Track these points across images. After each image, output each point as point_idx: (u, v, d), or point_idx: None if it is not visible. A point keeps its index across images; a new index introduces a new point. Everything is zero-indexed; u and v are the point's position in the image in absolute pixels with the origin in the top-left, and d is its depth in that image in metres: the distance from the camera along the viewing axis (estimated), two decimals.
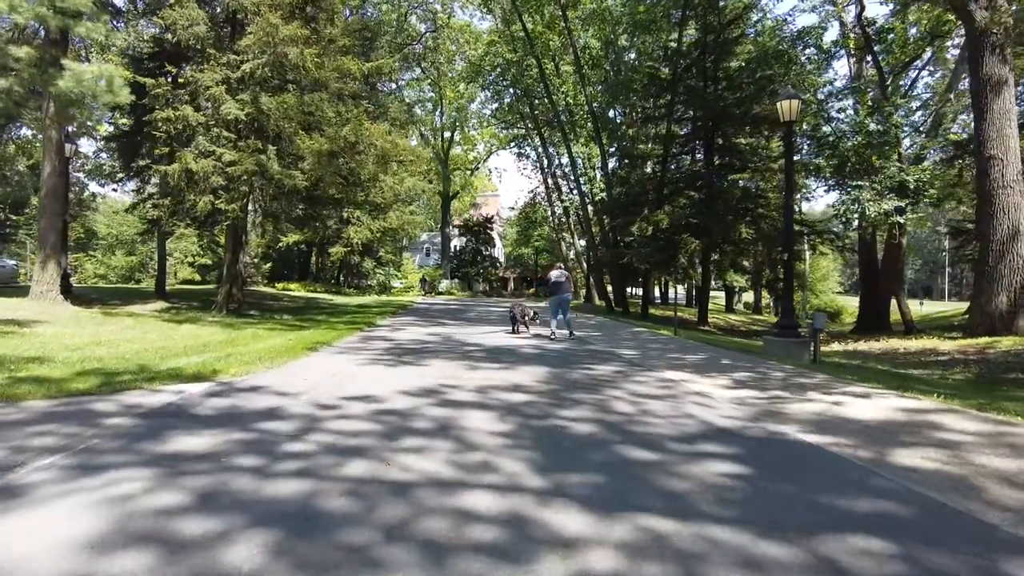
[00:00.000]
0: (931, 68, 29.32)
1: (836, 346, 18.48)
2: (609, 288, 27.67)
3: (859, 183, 17.44)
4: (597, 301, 30.86)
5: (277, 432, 4.18)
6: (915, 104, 23.69)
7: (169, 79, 14.26)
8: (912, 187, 16.68)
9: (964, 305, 57.63)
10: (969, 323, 16.68)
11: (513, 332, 12.74)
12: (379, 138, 15.07)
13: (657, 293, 50.53)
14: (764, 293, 50.67)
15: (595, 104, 24.69)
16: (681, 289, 54.46)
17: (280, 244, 32.92)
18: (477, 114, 54.16)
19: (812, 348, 11.06)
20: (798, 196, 24.20)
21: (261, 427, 4.30)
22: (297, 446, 3.89)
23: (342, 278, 38.11)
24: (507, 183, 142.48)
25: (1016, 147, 16.31)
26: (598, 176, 28.86)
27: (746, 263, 21.52)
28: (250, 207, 18.23)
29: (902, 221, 17.17)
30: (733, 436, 4.43)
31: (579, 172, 28.09)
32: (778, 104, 11.44)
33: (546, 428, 4.53)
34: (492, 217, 58.99)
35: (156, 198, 15.81)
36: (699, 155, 23.40)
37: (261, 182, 13.88)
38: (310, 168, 14.14)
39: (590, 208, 27.45)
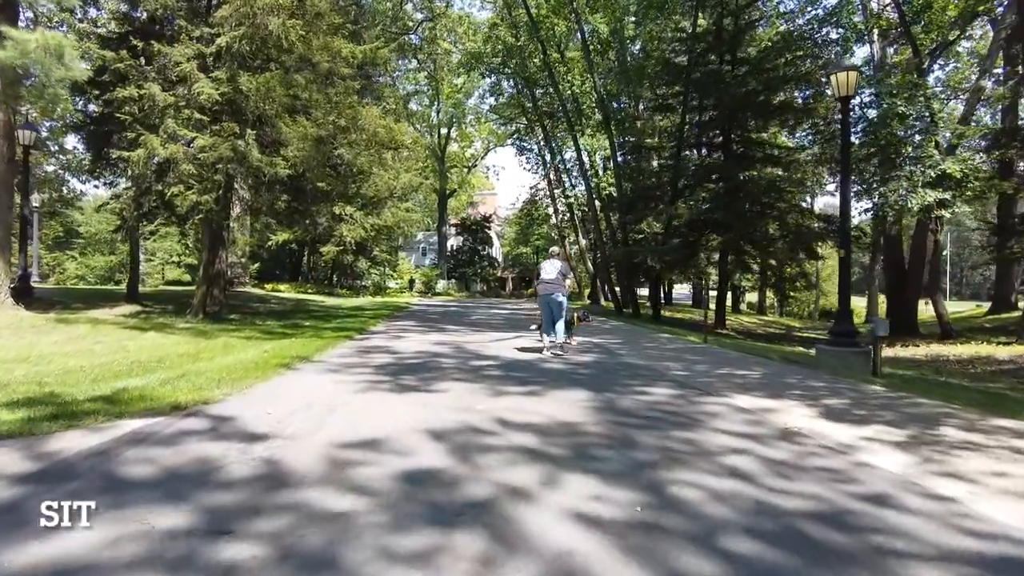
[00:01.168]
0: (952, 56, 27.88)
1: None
2: (616, 288, 26.06)
3: (897, 173, 15.91)
4: (604, 302, 29.26)
5: (194, 529, 2.56)
6: (939, 91, 22.09)
7: (134, 54, 12.57)
8: (958, 177, 15.16)
9: (970, 305, 56.13)
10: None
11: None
12: (372, 122, 13.45)
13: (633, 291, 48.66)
14: (768, 293, 49.15)
15: (604, 92, 23.03)
16: (682, 288, 52.93)
17: (269, 243, 31.13)
18: (475, 110, 52.65)
19: (873, 359, 9.54)
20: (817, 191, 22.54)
21: (179, 510, 2.68)
22: (227, 553, 2.29)
23: (335, 279, 36.32)
24: (505, 182, 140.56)
25: None
26: (605, 169, 27.28)
27: (772, 262, 19.92)
28: (234, 200, 16.63)
29: (947, 215, 15.68)
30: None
31: (586, 166, 26.36)
32: (832, 77, 9.89)
33: (647, 521, 2.93)
34: (490, 216, 57.36)
35: (124, 191, 14.12)
36: (716, 147, 21.77)
37: (239, 170, 12.22)
38: (295, 155, 12.49)
39: (597, 204, 25.82)
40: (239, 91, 12.16)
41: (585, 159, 27.22)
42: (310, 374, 7.02)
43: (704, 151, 21.83)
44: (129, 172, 12.88)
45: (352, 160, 13.62)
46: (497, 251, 69.43)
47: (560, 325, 9.66)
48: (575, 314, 10.64)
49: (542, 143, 32.70)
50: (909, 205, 15.22)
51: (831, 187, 25.86)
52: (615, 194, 24.29)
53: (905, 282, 22.63)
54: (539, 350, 9.78)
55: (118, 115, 12.11)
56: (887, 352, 17.21)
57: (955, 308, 54.18)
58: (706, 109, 21.37)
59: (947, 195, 15.16)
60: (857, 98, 17.91)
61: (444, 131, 52.49)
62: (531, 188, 40.19)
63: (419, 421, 4.62)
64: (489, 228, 57.34)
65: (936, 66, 23.31)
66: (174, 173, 11.86)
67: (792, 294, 47.17)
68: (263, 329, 12.58)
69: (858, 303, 65.34)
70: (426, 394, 5.92)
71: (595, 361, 9.06)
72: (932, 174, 15.17)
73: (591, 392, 6.25)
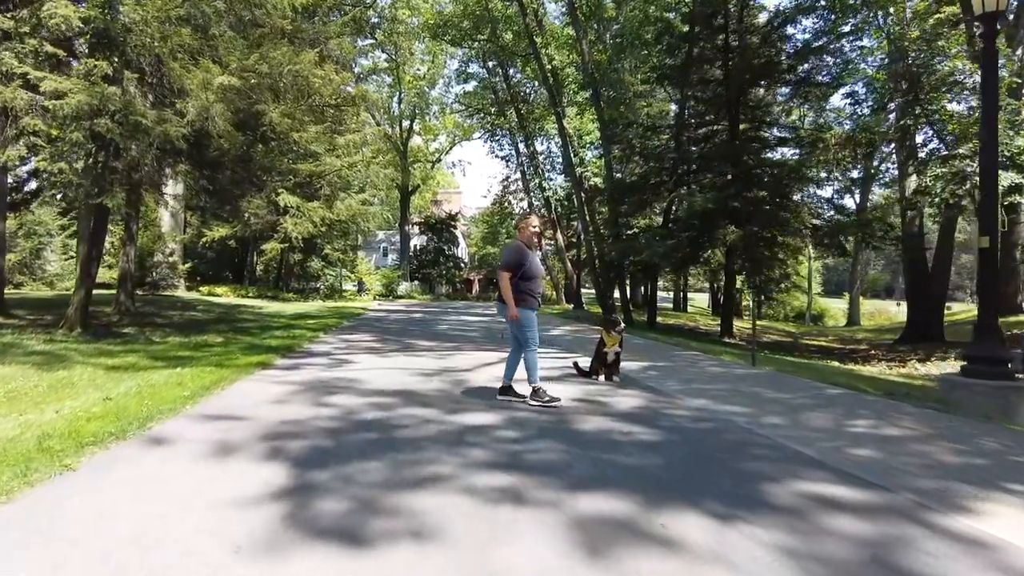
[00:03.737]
0: None
1: (924, 367, 14.14)
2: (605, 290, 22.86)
3: (958, 151, 13.13)
4: (588, 306, 26.10)
5: None
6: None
7: None
8: None
9: (956, 307, 54.97)
10: None
11: (586, 375, 7.73)
12: (307, 68, 10.00)
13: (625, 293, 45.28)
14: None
15: (593, 64, 19.82)
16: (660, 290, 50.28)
17: (204, 239, 27.11)
18: (439, 100, 49.18)
19: None
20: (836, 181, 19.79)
21: None
22: None
23: (281, 281, 32.33)
24: (472, 178, 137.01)
25: None
26: (590, 156, 24.19)
27: (781, 256, 17.12)
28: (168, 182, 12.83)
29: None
30: None
31: (570, 152, 22.98)
32: None
33: None
34: (456, 214, 53.89)
35: None
36: (718, 128, 18.81)
37: (114, 128, 8.59)
38: (196, 111, 8.95)
39: (582, 195, 22.58)
40: (114, 19, 8.59)
41: (571, 144, 23.89)
42: (117, 481, 3.56)
43: (708, 131, 18.85)
44: None
45: (279, 122, 10.08)
46: (463, 251, 65.97)
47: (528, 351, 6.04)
48: (611, 335, 7.37)
49: (515, 130, 29.26)
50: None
51: (854, 173, 23.07)
52: (601, 184, 21.22)
53: (927, 283, 20.09)
54: (550, 401, 6.47)
55: None
56: (951, 364, 14.46)
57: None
58: (709, 83, 18.44)
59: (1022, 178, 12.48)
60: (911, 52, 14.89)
61: (406, 123, 48.88)
62: (502, 181, 36.71)
63: None
64: (455, 227, 53.97)
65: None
66: (12, 128, 8.22)
67: (775, 297, 44.95)
68: (154, 352, 9.00)
69: (832, 304, 64.20)
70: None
71: (648, 413, 5.81)
72: (1014, 149, 12.43)
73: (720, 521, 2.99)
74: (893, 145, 20.90)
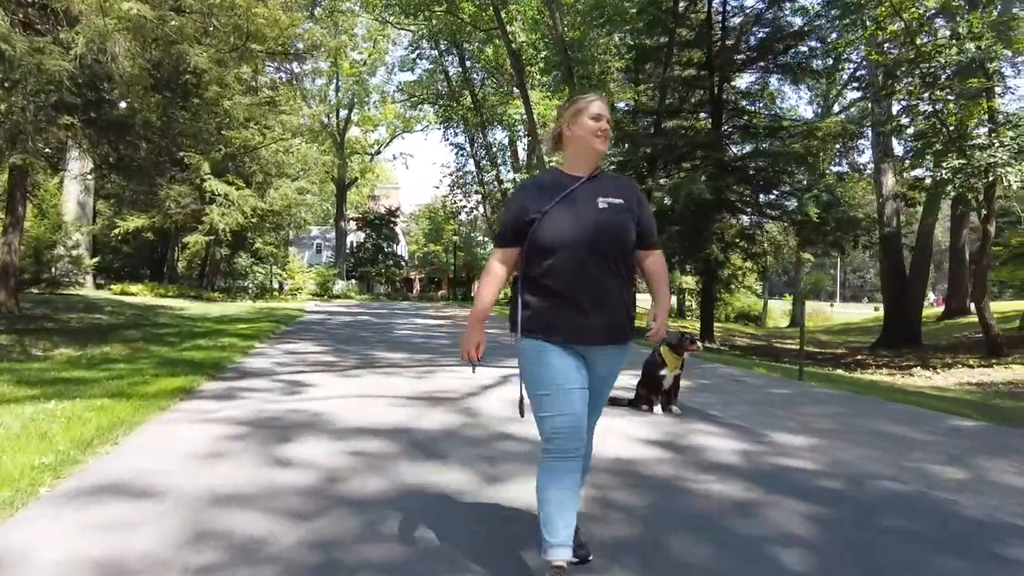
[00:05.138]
0: None
1: (940, 378, 13.08)
2: None
3: (979, 141, 12.08)
4: None
5: None
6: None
7: None
8: None
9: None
10: None
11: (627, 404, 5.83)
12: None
13: None
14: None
15: (567, 38, 17.96)
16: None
17: (117, 231, 23.76)
18: (379, 89, 46.45)
19: None
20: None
21: None
22: None
23: (205, 278, 29.02)
24: (414, 173, 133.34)
25: None
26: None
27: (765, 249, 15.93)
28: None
29: None
30: None
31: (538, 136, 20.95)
32: None
33: None
34: (396, 209, 51.29)
35: None
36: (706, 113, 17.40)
37: None
38: (90, 42, 6.56)
39: None
40: None
41: (532, 130, 21.79)
42: None
43: (692, 118, 17.44)
44: None
45: (207, 69, 7.73)
46: (403, 249, 63.20)
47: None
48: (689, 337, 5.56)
49: (470, 117, 27.02)
50: (1008, 180, 11.38)
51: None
52: None
53: (905, 285, 19.42)
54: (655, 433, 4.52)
55: None
56: (959, 376, 13.49)
57: (857, 312, 54.41)
58: (693, 64, 17.04)
59: None
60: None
61: (344, 112, 45.99)
62: (452, 173, 34.25)
63: None
64: (395, 223, 51.44)
65: None
66: None
67: (722, 297, 44.66)
68: (28, 372, 6.55)
69: (773, 306, 65.10)
70: None
71: (761, 469, 4.00)
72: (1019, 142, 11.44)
73: None
74: (870, 139, 20.12)
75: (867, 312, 61.33)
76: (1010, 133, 11.56)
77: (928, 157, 13.28)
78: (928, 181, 13.90)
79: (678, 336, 5.61)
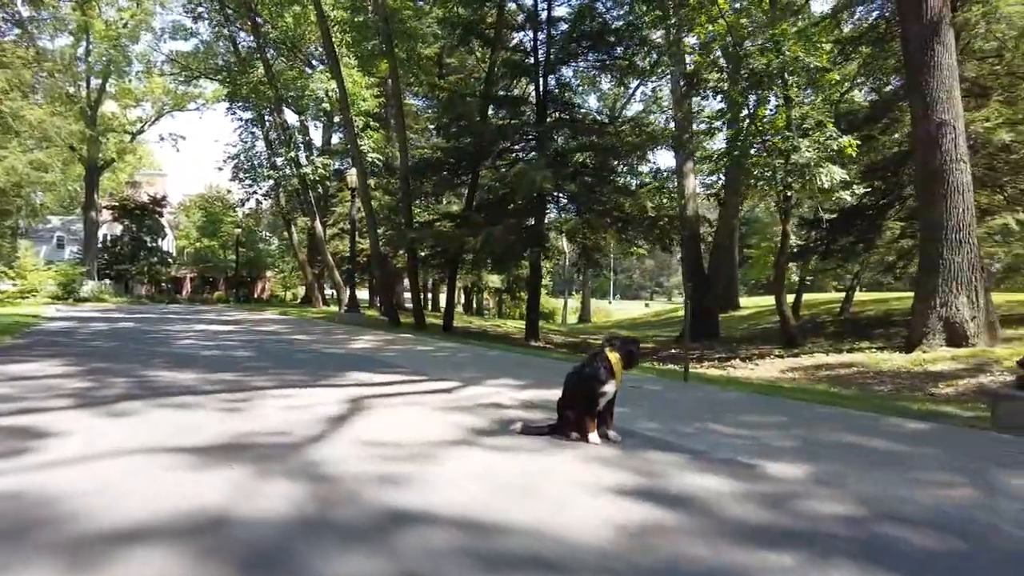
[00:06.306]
0: None
1: (762, 369, 13.53)
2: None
3: (790, 139, 12.62)
4: (371, 311, 22.05)
5: None
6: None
7: None
8: (853, 155, 12.49)
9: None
10: (913, 335, 12.95)
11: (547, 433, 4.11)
12: None
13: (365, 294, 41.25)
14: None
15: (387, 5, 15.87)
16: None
17: None
18: (144, 57, 39.38)
19: None
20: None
21: None
22: None
23: None
24: (186, 158, 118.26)
25: (962, 113, 13.37)
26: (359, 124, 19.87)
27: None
28: None
29: (849, 198, 12.97)
30: None
31: (352, 118, 18.25)
32: None
33: None
34: (163, 198, 44.29)
35: None
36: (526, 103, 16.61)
37: None
38: None
39: (355, 173, 18.25)
40: None
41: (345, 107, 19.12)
42: None
43: (519, 105, 16.52)
44: None
45: None
46: (170, 244, 55.22)
47: None
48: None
49: (262, 93, 23.30)
50: (819, 182, 11.99)
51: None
52: (385, 160, 17.53)
53: (707, 281, 20.63)
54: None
55: None
56: (757, 366, 14.06)
57: (671, 308, 59.33)
58: (519, 51, 16.16)
59: (847, 174, 12.40)
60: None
61: (96, 82, 38.30)
62: (233, 157, 29.45)
63: None
64: (160, 214, 44.43)
65: None
66: None
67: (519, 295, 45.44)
68: None
69: (556, 304, 68.27)
70: None
71: (784, 521, 2.75)
72: (834, 146, 12.21)
73: None
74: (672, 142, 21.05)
75: (642, 309, 67.39)
76: (819, 137, 12.23)
77: (736, 155, 13.74)
78: (720, 184, 14.52)
79: (623, 340, 4.26)
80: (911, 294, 14.55)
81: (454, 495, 2.89)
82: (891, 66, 16.32)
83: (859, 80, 19.00)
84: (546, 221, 14.59)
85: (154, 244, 43.47)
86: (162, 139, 45.90)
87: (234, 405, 5.12)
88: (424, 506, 2.72)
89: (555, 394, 5.97)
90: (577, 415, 4.19)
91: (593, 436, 4.10)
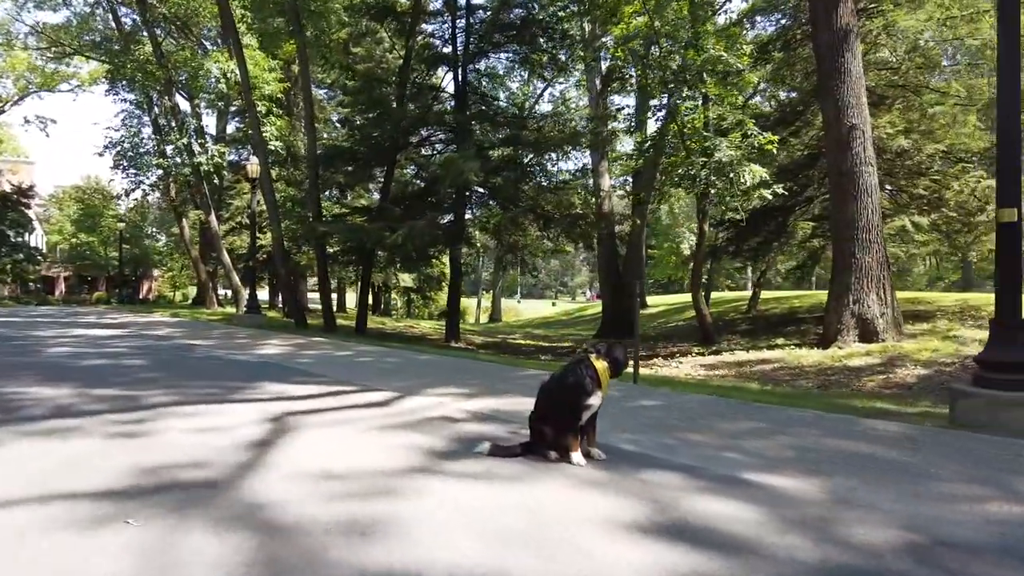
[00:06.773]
0: None
1: (687, 366, 13.53)
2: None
3: (709, 139, 12.68)
4: (273, 312, 20.41)
5: None
6: None
7: None
8: (774, 153, 12.74)
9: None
10: (828, 331, 13.42)
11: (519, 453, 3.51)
12: None
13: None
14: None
15: None
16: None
17: None
18: (2, 27, 35.22)
19: None
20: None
21: None
22: None
23: None
24: (58, 145, 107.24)
25: (869, 118, 13.96)
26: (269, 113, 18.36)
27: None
28: None
29: (769, 196, 13.18)
30: None
31: (255, 92, 16.61)
32: None
33: None
34: (30, 188, 39.81)
35: None
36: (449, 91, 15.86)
37: None
38: None
39: (268, 161, 16.68)
40: None
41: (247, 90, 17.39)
42: None
43: (434, 95, 15.72)
44: None
45: None
46: (40, 240, 49.81)
47: None
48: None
49: (151, 73, 20.95)
50: (742, 179, 12.08)
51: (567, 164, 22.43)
52: (289, 149, 16.18)
53: (620, 281, 20.73)
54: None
55: None
56: (675, 366, 14.09)
57: (577, 307, 59.86)
58: (436, 38, 15.40)
59: (767, 174, 12.60)
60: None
61: None
62: (120, 141, 26.39)
63: None
64: (27, 206, 39.89)
65: None
66: None
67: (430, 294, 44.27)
68: None
69: (468, 303, 67.86)
70: None
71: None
72: (755, 143, 12.37)
73: None
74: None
75: (549, 308, 68.05)
76: (736, 138, 12.37)
77: (649, 155, 13.74)
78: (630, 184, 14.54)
79: (609, 346, 3.72)
80: (810, 293, 15.25)
81: (441, 550, 2.23)
82: (799, 70, 16.96)
83: (763, 87, 19.75)
84: (467, 217, 13.95)
85: (19, 239, 39.02)
86: (27, 122, 41.04)
87: (128, 429, 4.17)
88: (408, 567, 2.06)
89: (508, 403, 5.44)
90: (556, 431, 3.62)
91: (576, 456, 3.54)
